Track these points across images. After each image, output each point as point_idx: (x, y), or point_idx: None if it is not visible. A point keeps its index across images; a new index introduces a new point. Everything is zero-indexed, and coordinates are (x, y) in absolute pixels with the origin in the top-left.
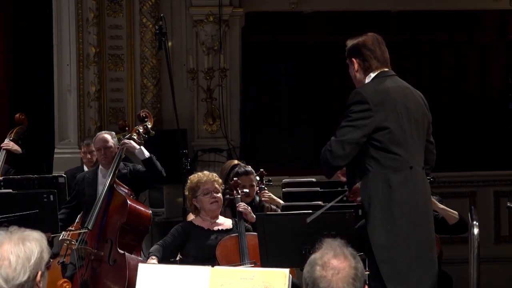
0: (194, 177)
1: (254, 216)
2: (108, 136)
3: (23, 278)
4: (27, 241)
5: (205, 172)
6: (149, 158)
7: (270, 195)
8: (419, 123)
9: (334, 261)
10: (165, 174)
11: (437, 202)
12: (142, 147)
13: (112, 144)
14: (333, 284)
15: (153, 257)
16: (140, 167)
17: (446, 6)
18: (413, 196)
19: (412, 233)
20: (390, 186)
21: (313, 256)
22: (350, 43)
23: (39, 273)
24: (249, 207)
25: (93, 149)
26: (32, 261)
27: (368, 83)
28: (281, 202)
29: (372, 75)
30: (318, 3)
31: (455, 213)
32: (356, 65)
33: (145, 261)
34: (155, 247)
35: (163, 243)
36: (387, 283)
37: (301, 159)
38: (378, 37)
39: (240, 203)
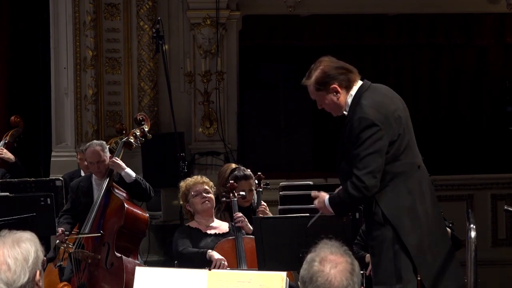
0: (184, 184)
1: (251, 228)
2: (100, 150)
3: (24, 279)
4: (21, 242)
5: (194, 176)
6: (135, 181)
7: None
8: (409, 124)
9: (332, 256)
10: (153, 194)
11: None
12: (128, 169)
13: (105, 158)
14: (331, 278)
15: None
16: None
17: (443, 10)
18: (426, 195)
19: (432, 229)
20: (411, 193)
21: (309, 255)
22: (310, 79)
23: (38, 272)
24: (246, 219)
25: None
26: (30, 261)
27: (363, 104)
28: None
29: (355, 88)
30: (316, 6)
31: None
32: (338, 88)
33: (142, 264)
34: (188, 249)
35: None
36: (397, 283)
37: (299, 162)
38: (330, 56)
39: (237, 213)
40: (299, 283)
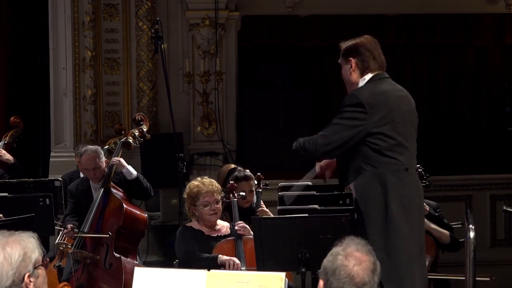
0: (194, 186)
1: (252, 233)
2: (96, 157)
3: (6, 282)
4: (7, 246)
5: (205, 180)
6: (136, 178)
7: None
8: (413, 125)
9: (357, 253)
10: (152, 193)
11: (429, 222)
12: (129, 167)
13: (101, 164)
14: (354, 273)
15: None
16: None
17: (442, 10)
18: (408, 197)
19: (407, 234)
20: (386, 186)
21: (335, 249)
22: (346, 44)
23: (26, 275)
24: (248, 227)
25: None
26: (14, 265)
27: (365, 86)
28: None
29: (370, 75)
30: (315, 7)
31: (446, 233)
32: (353, 65)
33: (141, 264)
34: (198, 253)
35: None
36: (384, 283)
37: (298, 163)
38: (375, 40)
39: (239, 222)
40: (319, 272)
